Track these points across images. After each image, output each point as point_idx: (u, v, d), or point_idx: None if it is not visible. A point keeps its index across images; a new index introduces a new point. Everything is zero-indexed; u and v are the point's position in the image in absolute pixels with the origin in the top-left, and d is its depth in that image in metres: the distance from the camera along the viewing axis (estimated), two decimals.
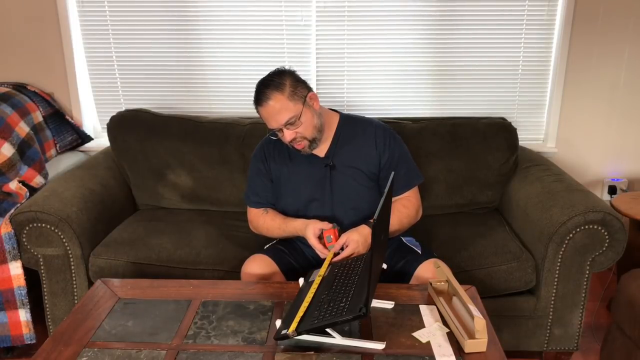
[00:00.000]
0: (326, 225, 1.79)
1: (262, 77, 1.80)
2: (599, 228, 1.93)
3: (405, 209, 1.90)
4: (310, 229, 1.79)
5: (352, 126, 1.93)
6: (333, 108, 2.00)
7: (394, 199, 1.89)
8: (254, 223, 2.00)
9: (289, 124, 1.75)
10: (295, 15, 2.62)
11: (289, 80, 1.76)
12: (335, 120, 1.94)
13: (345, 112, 2.01)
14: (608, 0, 2.54)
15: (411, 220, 1.93)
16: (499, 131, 2.44)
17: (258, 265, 1.82)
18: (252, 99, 1.80)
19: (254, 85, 1.67)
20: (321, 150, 1.90)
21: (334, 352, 1.36)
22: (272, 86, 1.75)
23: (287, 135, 1.77)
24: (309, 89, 1.82)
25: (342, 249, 1.76)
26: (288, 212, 1.94)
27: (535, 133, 2.79)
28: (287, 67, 1.83)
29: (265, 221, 1.94)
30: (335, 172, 1.88)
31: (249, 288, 1.68)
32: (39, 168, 2.38)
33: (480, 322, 1.33)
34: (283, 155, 1.93)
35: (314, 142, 1.82)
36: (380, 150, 1.89)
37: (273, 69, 1.83)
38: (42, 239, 2.04)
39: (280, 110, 1.74)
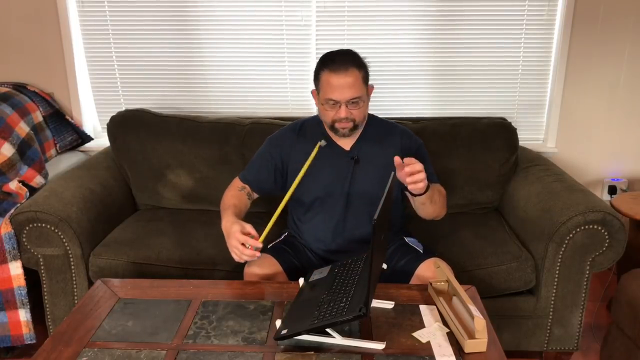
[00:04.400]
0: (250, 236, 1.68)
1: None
2: (599, 228, 1.93)
3: (441, 192, 1.89)
4: (237, 228, 1.67)
5: (378, 127, 1.96)
6: None
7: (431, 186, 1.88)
8: (227, 189, 1.96)
9: (352, 102, 1.77)
10: (295, 15, 2.62)
11: (365, 64, 1.81)
12: None
13: None
14: (608, 0, 2.55)
15: (444, 205, 1.89)
16: (499, 131, 2.44)
17: (261, 265, 1.81)
18: (313, 68, 1.80)
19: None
20: (347, 144, 1.91)
21: (334, 352, 1.36)
22: (354, 60, 1.78)
23: (343, 112, 1.78)
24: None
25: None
26: (305, 200, 1.93)
27: (535, 133, 2.79)
28: None
29: (226, 195, 1.92)
30: (359, 166, 1.90)
31: (249, 288, 1.68)
32: (39, 168, 2.38)
33: (480, 322, 1.33)
34: (308, 144, 1.92)
35: (356, 128, 1.85)
36: (407, 154, 1.88)
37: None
38: (42, 239, 2.04)
39: (352, 85, 1.75)
